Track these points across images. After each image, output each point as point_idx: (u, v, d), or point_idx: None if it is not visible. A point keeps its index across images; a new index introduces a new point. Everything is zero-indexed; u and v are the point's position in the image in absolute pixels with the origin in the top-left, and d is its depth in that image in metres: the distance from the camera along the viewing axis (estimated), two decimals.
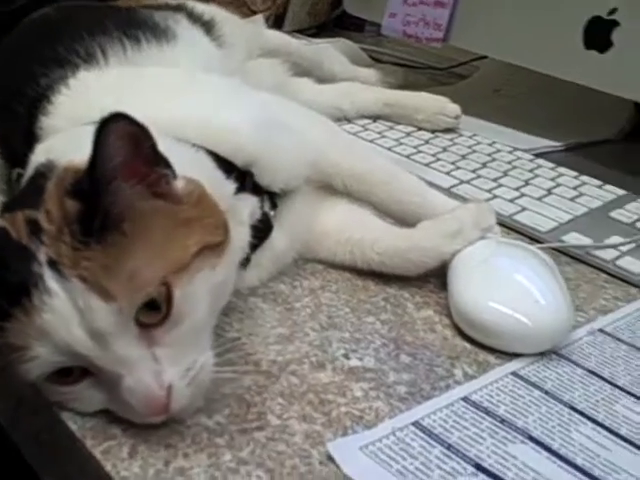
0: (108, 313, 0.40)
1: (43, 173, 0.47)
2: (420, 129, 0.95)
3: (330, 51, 1.11)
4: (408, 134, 0.93)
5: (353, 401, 0.48)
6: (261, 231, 0.59)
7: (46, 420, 0.46)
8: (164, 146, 0.47)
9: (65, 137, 0.55)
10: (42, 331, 0.41)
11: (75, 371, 0.43)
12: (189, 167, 0.49)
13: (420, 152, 0.88)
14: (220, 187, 0.54)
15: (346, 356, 0.53)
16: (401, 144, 0.90)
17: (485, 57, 1.23)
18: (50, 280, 0.41)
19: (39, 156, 0.53)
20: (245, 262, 0.57)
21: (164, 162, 0.46)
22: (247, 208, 0.57)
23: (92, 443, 0.42)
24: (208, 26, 0.80)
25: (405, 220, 0.64)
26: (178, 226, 0.44)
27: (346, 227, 0.63)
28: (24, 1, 1.12)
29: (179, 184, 0.47)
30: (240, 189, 0.56)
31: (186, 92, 0.61)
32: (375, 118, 0.97)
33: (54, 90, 0.60)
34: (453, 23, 1.03)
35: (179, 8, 0.81)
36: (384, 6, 1.11)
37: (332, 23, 1.55)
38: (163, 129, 0.52)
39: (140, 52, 0.66)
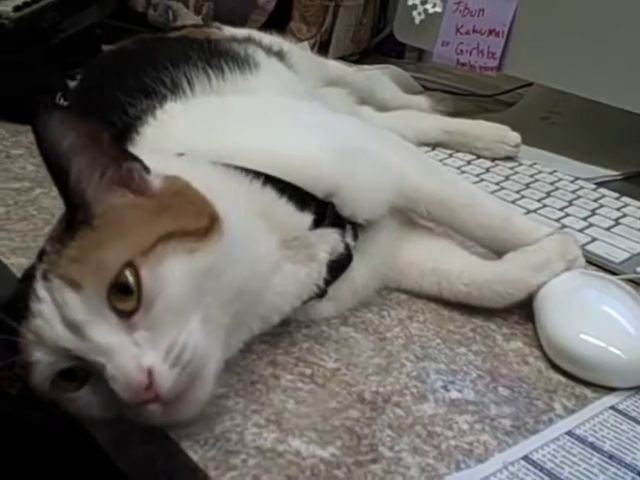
0: (79, 302, 0.42)
1: None
2: (479, 157, 0.95)
3: (381, 79, 1.13)
4: (469, 162, 0.94)
5: (460, 434, 0.48)
6: (341, 262, 0.58)
7: (162, 448, 0.46)
8: (202, 173, 0.50)
9: None
10: (36, 336, 0.43)
11: (80, 374, 0.44)
12: (224, 196, 0.50)
13: (483, 180, 0.89)
14: (284, 218, 0.54)
15: (445, 388, 0.53)
16: (463, 172, 0.91)
17: (530, 84, 1.24)
18: (40, 289, 0.43)
19: None
20: (321, 294, 0.57)
21: (130, 157, 0.48)
22: (325, 244, 0.56)
23: (215, 474, 0.43)
24: (280, 56, 0.81)
25: (490, 245, 0.65)
26: (147, 215, 0.46)
27: (431, 258, 0.64)
28: (66, 34, 1.15)
29: (155, 181, 0.48)
30: (320, 222, 0.56)
31: (265, 121, 0.60)
32: (434, 146, 0.97)
33: (142, 121, 0.61)
34: (507, 51, 1.04)
35: (248, 40, 0.82)
36: (436, 34, 1.12)
37: (373, 50, 1.57)
38: (231, 158, 0.53)
39: (225, 81, 0.67)
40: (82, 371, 0.44)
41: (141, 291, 0.43)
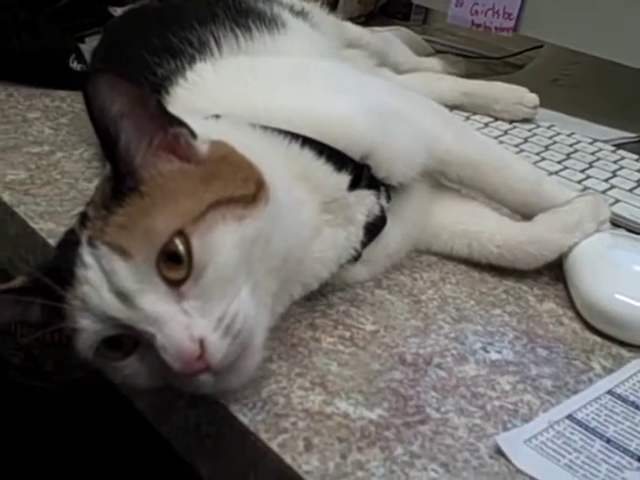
0: (128, 271, 0.41)
1: None
2: (497, 119, 0.95)
3: (394, 41, 1.11)
4: (486, 124, 0.93)
5: (503, 394, 0.49)
6: (376, 224, 0.57)
7: (207, 412, 0.46)
8: (243, 136, 0.49)
9: None
10: (82, 302, 0.42)
11: (126, 343, 0.43)
12: (267, 160, 0.49)
13: (502, 143, 0.88)
14: (323, 179, 0.53)
15: (485, 349, 0.53)
16: (481, 135, 0.90)
17: (540, 46, 1.23)
18: (86, 255, 0.42)
19: None
20: (356, 257, 0.56)
21: (177, 121, 0.46)
22: (362, 206, 0.56)
23: (267, 437, 0.43)
24: (303, 15, 0.79)
25: (519, 209, 0.64)
26: (196, 183, 0.44)
27: (462, 220, 0.63)
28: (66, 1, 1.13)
29: (202, 146, 0.47)
30: (355, 184, 0.55)
31: (298, 82, 0.59)
32: (452, 108, 0.96)
33: (172, 81, 0.60)
34: (523, 12, 1.02)
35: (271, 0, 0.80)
36: None
37: (378, 12, 1.55)
38: (268, 120, 0.52)
39: (253, 41, 0.65)
40: (128, 340, 0.43)
41: (192, 260, 0.42)
